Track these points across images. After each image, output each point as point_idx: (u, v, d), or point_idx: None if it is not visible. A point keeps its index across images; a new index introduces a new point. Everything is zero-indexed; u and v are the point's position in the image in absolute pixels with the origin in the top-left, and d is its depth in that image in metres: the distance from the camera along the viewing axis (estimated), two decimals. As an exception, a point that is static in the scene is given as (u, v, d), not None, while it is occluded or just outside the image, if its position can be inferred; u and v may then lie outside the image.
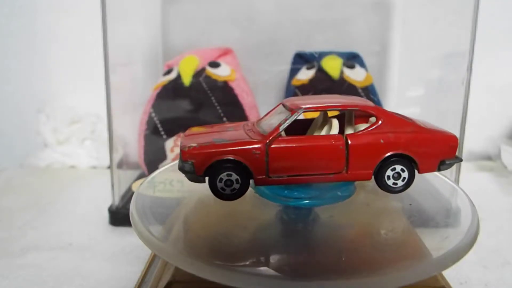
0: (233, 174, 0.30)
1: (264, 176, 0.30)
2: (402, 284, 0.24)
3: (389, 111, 0.32)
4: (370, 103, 0.33)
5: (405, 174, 0.32)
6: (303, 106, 0.31)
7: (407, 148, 0.31)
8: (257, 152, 0.30)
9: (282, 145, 0.30)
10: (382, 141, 0.31)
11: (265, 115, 0.35)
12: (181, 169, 0.30)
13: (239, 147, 0.30)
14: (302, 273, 0.25)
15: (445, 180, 0.38)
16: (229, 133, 0.33)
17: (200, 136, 0.33)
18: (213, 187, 0.30)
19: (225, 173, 0.30)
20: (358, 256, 0.28)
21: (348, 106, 0.32)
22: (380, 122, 0.31)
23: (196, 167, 0.30)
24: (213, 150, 0.30)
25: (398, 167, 0.32)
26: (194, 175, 0.30)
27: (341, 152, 0.30)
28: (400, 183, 0.32)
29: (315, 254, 0.28)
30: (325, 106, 0.32)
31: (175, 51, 0.71)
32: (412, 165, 0.32)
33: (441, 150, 0.33)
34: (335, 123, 0.33)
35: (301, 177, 0.31)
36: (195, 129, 0.35)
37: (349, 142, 0.30)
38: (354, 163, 0.31)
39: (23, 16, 0.76)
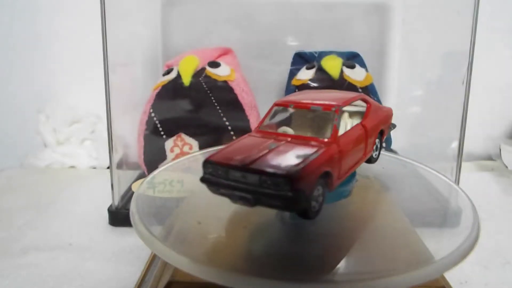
0: (320, 187, 0.28)
1: (337, 179, 0.30)
2: (404, 287, 0.24)
3: (368, 97, 0.37)
4: (359, 93, 0.38)
5: (378, 145, 0.38)
6: (339, 104, 0.32)
7: (383, 124, 0.38)
8: (336, 157, 0.30)
9: (343, 144, 0.31)
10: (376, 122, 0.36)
11: (263, 121, 0.34)
12: (295, 199, 0.26)
13: (329, 157, 0.29)
14: (303, 274, 0.25)
15: (445, 180, 0.38)
16: (286, 147, 0.29)
17: (267, 159, 0.27)
18: (306, 208, 0.27)
19: (316, 189, 0.28)
20: (360, 258, 0.28)
21: (358, 97, 0.35)
22: (370, 107, 0.36)
23: (308, 191, 0.26)
24: (318, 167, 0.27)
25: (377, 141, 0.37)
26: (306, 202, 0.27)
27: (365, 138, 0.34)
28: (377, 153, 0.38)
29: (316, 256, 0.27)
30: (348, 100, 0.34)
31: (175, 51, 0.71)
32: (381, 136, 0.38)
33: (389, 121, 0.40)
34: (347, 115, 0.36)
35: (351, 168, 0.32)
36: (221, 156, 0.29)
37: (366, 128, 0.34)
38: (368, 145, 0.35)
39: (23, 16, 0.76)
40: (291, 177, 0.25)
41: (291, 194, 0.25)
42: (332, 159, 0.29)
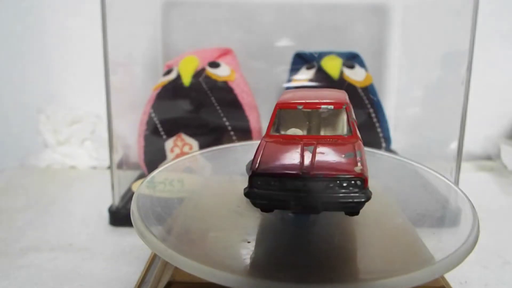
0: None
1: None
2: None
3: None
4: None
5: None
6: (346, 101, 0.32)
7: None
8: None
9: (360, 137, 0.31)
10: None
11: (271, 125, 0.32)
12: (366, 197, 0.26)
13: (364, 153, 0.29)
14: (302, 275, 0.25)
15: (444, 181, 0.38)
16: (324, 149, 0.28)
17: (323, 163, 0.27)
18: None
19: None
20: (359, 259, 0.28)
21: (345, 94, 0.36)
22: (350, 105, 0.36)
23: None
24: (366, 164, 0.27)
25: None
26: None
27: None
28: None
29: (316, 257, 0.27)
30: (345, 96, 0.34)
31: (175, 51, 0.71)
32: None
33: None
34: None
35: None
36: (268, 167, 0.27)
37: (356, 122, 0.34)
38: None
39: (24, 17, 0.76)
40: (363, 176, 0.25)
41: (362, 193, 0.26)
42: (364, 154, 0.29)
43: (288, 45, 0.71)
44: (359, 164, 0.26)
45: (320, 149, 0.28)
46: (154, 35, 0.73)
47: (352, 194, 0.25)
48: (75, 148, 0.76)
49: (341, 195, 0.25)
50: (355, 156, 0.27)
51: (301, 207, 0.26)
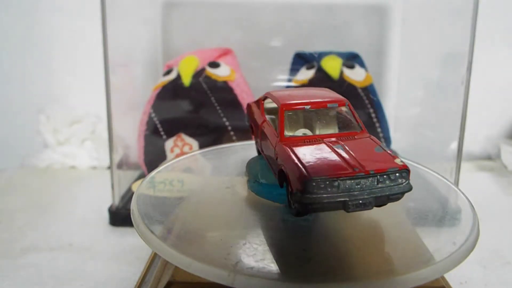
0: None
1: None
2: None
3: None
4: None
5: None
6: (345, 99, 0.33)
7: None
8: None
9: None
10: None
11: (283, 129, 0.31)
12: (409, 187, 0.27)
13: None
14: (303, 275, 0.25)
15: (444, 182, 0.38)
16: (352, 146, 0.29)
17: (365, 160, 0.27)
18: None
19: None
20: (359, 259, 0.28)
21: None
22: None
23: None
24: None
25: None
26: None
27: None
28: None
29: (316, 256, 0.27)
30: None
31: (175, 51, 0.71)
32: None
33: None
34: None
35: None
36: (319, 170, 0.26)
37: None
38: None
39: (23, 16, 0.76)
40: (407, 168, 0.26)
41: (407, 184, 0.27)
42: None
43: (288, 45, 0.71)
44: (396, 157, 0.27)
45: (350, 147, 0.28)
46: (154, 35, 0.73)
47: (399, 186, 0.27)
48: (75, 148, 0.76)
49: (389, 188, 0.26)
50: (384, 149, 0.28)
51: (356, 205, 0.26)
